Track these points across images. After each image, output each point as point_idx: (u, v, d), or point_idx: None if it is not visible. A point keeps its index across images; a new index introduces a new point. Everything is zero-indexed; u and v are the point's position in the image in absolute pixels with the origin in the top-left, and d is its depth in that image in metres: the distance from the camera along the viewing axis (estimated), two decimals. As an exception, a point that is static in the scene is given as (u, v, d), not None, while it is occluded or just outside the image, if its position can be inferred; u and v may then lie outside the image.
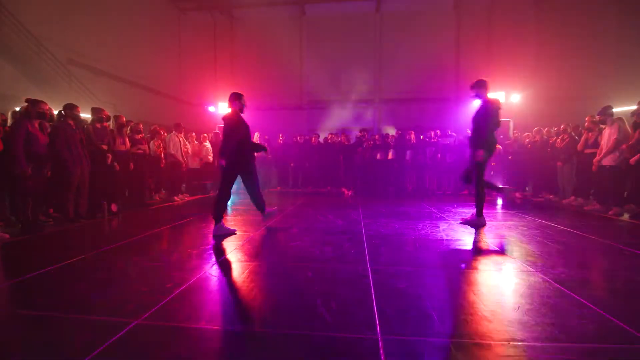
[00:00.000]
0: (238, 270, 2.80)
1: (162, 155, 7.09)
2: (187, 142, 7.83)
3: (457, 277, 2.61)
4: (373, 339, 1.71)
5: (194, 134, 8.29)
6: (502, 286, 2.45)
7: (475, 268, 2.85)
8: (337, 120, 12.51)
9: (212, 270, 2.75)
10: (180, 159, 7.25)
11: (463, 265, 2.87)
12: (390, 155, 8.28)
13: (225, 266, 2.89)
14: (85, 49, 9.99)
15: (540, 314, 1.95)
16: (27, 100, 4.24)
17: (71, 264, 2.91)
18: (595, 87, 9.99)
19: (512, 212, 5.71)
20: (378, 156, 8.56)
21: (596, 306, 2.03)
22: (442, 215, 5.29)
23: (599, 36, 10.44)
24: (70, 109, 4.83)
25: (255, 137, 9.17)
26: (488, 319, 1.89)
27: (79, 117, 5.02)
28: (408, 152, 8.48)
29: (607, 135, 5.43)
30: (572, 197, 6.48)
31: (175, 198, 7.12)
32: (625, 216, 5.05)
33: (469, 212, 5.55)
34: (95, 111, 5.41)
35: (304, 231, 4.21)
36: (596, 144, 5.76)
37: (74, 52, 9.76)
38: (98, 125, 5.33)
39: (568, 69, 10.77)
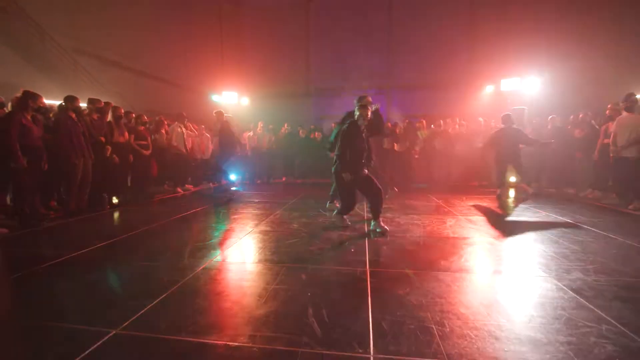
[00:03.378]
0: (230, 273, 2.67)
1: (166, 146, 6.96)
2: (191, 133, 7.70)
3: (462, 282, 2.42)
4: (365, 357, 1.56)
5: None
6: (512, 294, 2.25)
7: (482, 272, 2.66)
8: (344, 108, 12.19)
9: (203, 273, 2.63)
10: (184, 150, 7.14)
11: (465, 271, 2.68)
12: (396, 147, 7.99)
13: (217, 268, 2.76)
14: (91, 38, 9.89)
15: (553, 329, 1.76)
16: (24, 92, 4.14)
17: (59, 263, 2.83)
18: (616, 72, 9.39)
19: (525, 206, 5.44)
20: (385, 145, 8.28)
21: (617, 321, 1.83)
22: (450, 209, 5.07)
23: (618, 16, 9.76)
24: (71, 101, 4.70)
25: (259, 127, 9.00)
26: (495, 336, 1.71)
27: (79, 108, 4.90)
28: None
29: (630, 125, 5.05)
30: (589, 190, 6.15)
31: (179, 190, 7.05)
32: (648, 211, 4.74)
33: (470, 205, 5.31)
34: (92, 102, 5.26)
35: (304, 226, 4.06)
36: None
37: (80, 40, 9.67)
38: (95, 117, 5.21)
39: (587, 52, 10.13)
